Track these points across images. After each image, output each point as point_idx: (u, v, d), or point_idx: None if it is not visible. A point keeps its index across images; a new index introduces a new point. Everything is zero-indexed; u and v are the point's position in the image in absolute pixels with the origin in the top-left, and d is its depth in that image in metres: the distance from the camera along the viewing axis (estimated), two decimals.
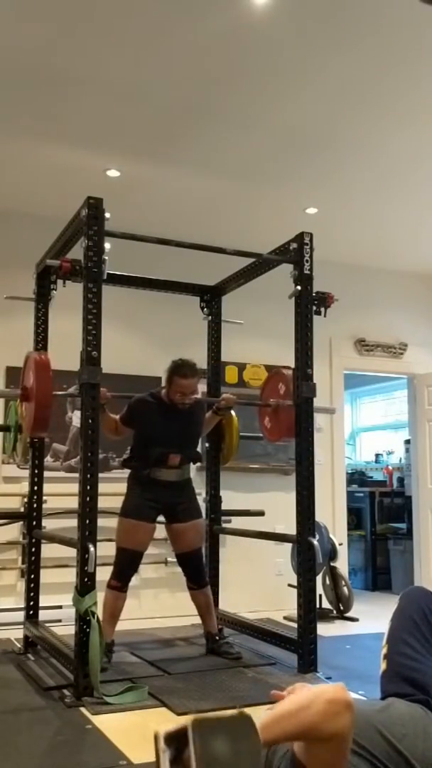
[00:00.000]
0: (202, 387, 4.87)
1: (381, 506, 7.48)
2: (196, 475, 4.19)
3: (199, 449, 4.17)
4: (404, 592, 2.19)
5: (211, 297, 4.77)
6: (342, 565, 5.82)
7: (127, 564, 3.83)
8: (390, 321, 6.67)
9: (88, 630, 3.18)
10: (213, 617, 4.07)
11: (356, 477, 8.13)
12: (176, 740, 1.32)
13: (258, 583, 5.62)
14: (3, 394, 4.66)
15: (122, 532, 3.86)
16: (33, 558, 4.21)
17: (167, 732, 1.33)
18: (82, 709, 3.03)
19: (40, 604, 4.20)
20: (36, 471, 4.26)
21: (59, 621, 4.30)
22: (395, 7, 3.14)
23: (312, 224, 4.33)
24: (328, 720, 1.48)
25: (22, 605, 4.23)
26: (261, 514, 4.80)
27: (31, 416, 3.55)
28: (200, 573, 4.04)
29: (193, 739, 1.26)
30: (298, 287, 3.84)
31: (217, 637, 4.04)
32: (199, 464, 4.39)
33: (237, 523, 4.81)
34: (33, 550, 4.22)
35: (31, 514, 4.25)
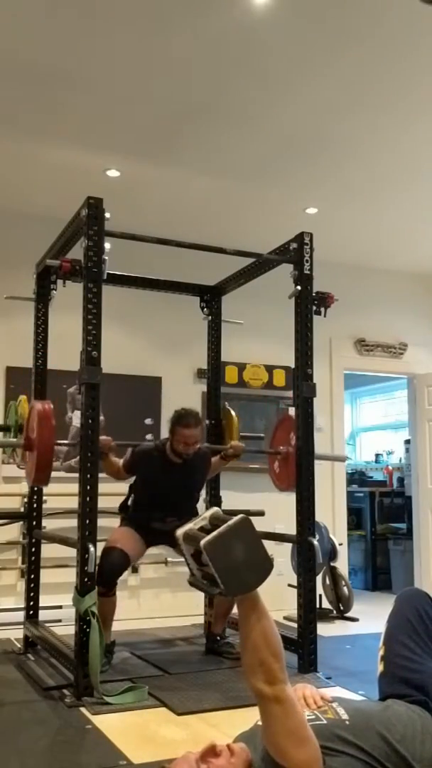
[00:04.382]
0: (202, 387, 4.89)
1: (381, 506, 7.48)
2: None
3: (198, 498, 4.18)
4: (400, 594, 2.20)
5: (211, 297, 4.76)
6: (342, 565, 5.82)
7: (110, 565, 3.65)
8: (390, 321, 6.67)
9: (88, 630, 3.18)
10: (225, 621, 4.08)
11: (356, 477, 8.13)
12: (193, 539, 1.61)
13: None
14: (5, 444, 4.65)
15: (112, 535, 3.86)
16: (33, 558, 4.21)
17: (184, 532, 1.65)
18: (82, 709, 3.03)
19: (40, 604, 4.19)
20: None
21: (59, 621, 4.30)
22: (395, 7, 3.14)
23: (312, 224, 4.33)
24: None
25: (22, 605, 4.23)
26: (261, 514, 4.78)
27: (33, 466, 3.56)
28: None
29: (208, 556, 1.52)
30: (298, 287, 3.83)
31: (218, 638, 4.04)
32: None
33: None
34: (33, 550, 4.22)
35: (31, 514, 4.25)
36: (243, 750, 1.71)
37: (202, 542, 1.56)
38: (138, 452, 3.97)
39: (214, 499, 4.63)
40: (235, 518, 1.61)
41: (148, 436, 5.61)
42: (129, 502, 4.03)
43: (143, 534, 3.90)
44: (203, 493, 4.60)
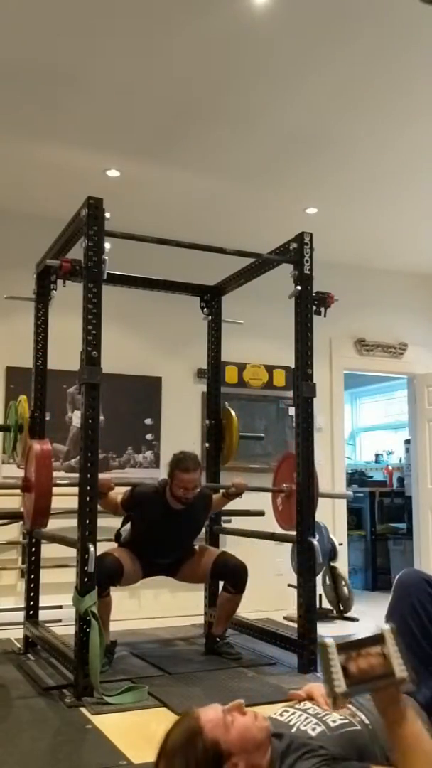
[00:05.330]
0: (202, 387, 4.88)
1: (381, 506, 7.48)
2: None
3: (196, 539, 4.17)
4: (399, 580, 2.12)
5: (211, 297, 4.76)
6: (342, 565, 5.82)
7: (104, 571, 3.58)
8: (390, 321, 6.67)
9: (88, 630, 3.18)
10: (227, 623, 4.07)
11: (356, 477, 8.13)
12: (346, 649, 1.60)
13: (258, 583, 5.59)
14: (5, 486, 4.64)
15: (109, 550, 3.83)
16: (33, 558, 4.21)
17: (339, 643, 1.60)
18: (82, 709, 3.03)
19: (40, 604, 4.19)
20: None
21: (59, 621, 4.29)
22: (395, 8, 3.14)
23: (312, 224, 4.33)
24: None
25: (22, 605, 4.22)
26: (261, 514, 4.79)
27: (31, 506, 3.56)
28: (241, 577, 3.95)
29: (391, 641, 1.59)
30: (298, 287, 3.83)
31: (218, 639, 4.03)
32: None
33: (237, 523, 4.81)
34: (33, 550, 4.22)
35: None
36: (266, 720, 1.71)
37: (388, 627, 1.61)
38: (138, 494, 3.91)
39: None
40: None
41: (148, 436, 5.62)
42: (122, 531, 3.97)
43: (140, 561, 3.87)
44: None
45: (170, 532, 3.87)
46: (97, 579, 3.45)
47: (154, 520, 3.85)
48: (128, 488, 3.99)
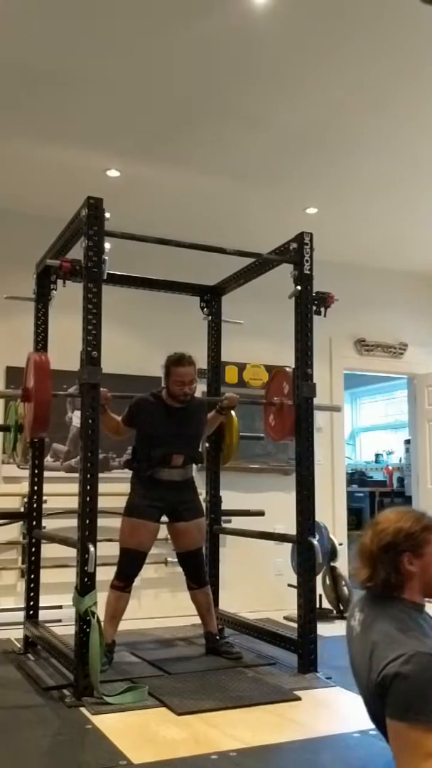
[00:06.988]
0: (202, 387, 4.88)
1: (381, 506, 7.49)
2: (196, 475, 4.18)
3: (200, 450, 4.17)
4: None
5: (211, 297, 4.77)
6: (342, 565, 5.82)
7: (129, 564, 3.82)
8: (390, 321, 6.67)
9: (88, 630, 3.18)
10: (213, 617, 4.07)
11: (356, 477, 8.14)
12: None
13: (258, 583, 5.62)
14: (4, 395, 4.67)
15: (125, 531, 3.86)
16: (33, 558, 4.21)
17: None
18: (82, 709, 3.03)
19: (40, 604, 4.20)
20: (36, 471, 4.26)
21: (59, 621, 4.30)
22: (397, 8, 3.14)
23: (312, 224, 4.33)
24: None
25: (22, 605, 4.23)
26: (261, 514, 4.80)
27: (31, 416, 3.56)
28: (201, 572, 4.04)
29: None
30: (298, 287, 3.84)
31: (217, 637, 4.04)
32: (200, 464, 4.39)
33: (237, 523, 4.81)
34: (33, 550, 4.22)
35: (31, 514, 4.25)
36: None
37: None
38: (135, 402, 4.00)
39: (214, 499, 4.63)
40: None
41: None
42: (134, 462, 4.02)
43: (151, 503, 3.86)
44: (204, 494, 4.60)
45: (172, 427, 3.89)
46: (127, 570, 3.76)
47: (155, 419, 3.91)
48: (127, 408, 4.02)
